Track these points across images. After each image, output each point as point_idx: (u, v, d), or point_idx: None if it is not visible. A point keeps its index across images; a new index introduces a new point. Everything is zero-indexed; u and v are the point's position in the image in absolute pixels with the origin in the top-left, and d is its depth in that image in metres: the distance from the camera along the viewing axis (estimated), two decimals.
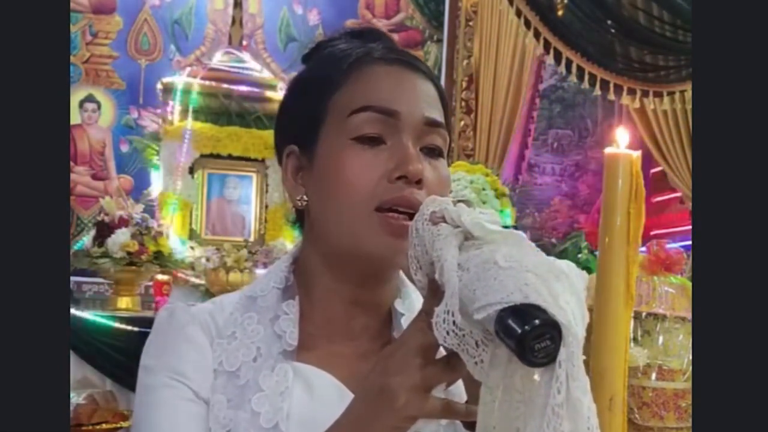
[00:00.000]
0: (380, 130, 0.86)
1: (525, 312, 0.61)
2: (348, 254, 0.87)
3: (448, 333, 0.66)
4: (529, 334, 0.60)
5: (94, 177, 5.97)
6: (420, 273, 0.74)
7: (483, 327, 0.65)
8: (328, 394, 0.86)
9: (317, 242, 0.91)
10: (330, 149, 0.87)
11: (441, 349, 0.72)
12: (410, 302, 0.92)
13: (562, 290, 0.64)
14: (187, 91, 4.87)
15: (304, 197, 0.90)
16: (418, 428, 0.77)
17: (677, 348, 1.62)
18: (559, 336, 0.61)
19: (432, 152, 0.88)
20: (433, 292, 0.71)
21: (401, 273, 0.95)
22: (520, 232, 0.71)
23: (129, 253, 3.81)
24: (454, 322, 0.65)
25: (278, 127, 0.97)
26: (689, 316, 1.63)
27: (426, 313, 0.71)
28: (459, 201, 0.74)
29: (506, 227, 0.71)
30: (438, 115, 0.89)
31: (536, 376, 0.63)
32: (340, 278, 0.90)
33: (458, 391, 0.79)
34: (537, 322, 0.60)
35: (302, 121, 0.91)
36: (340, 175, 0.85)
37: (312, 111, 0.89)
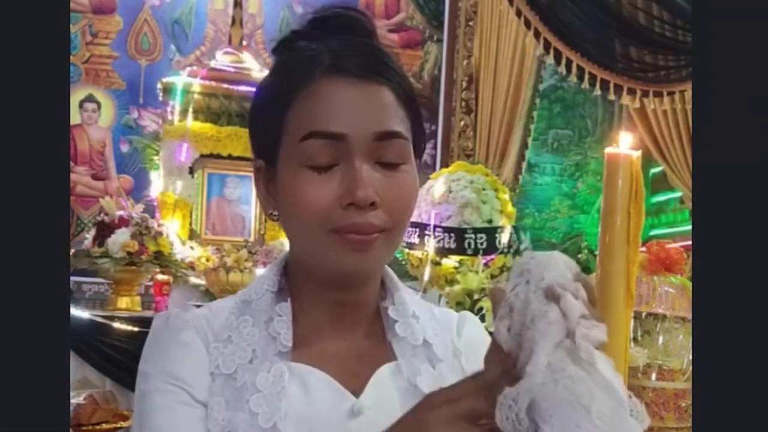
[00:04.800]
0: (329, 155, 0.84)
1: None
2: (315, 269, 0.89)
3: (507, 418, 0.65)
4: None
5: (94, 177, 5.97)
6: (502, 326, 0.69)
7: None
8: (322, 390, 0.87)
9: None
10: (285, 172, 0.87)
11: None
12: (403, 306, 0.94)
13: None
14: (187, 91, 4.87)
15: (275, 212, 0.91)
16: None
17: (677, 348, 1.62)
18: None
19: (388, 165, 0.86)
20: (504, 362, 0.68)
21: (390, 272, 0.96)
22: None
23: (129, 253, 3.80)
24: (517, 415, 0.65)
25: (250, 138, 0.97)
26: (689, 316, 1.62)
27: (487, 382, 0.69)
28: (577, 281, 0.69)
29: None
30: (393, 125, 0.86)
31: None
32: (320, 283, 0.91)
33: None
34: None
35: (264, 139, 0.92)
36: (295, 199, 0.86)
37: (270, 129, 0.89)
